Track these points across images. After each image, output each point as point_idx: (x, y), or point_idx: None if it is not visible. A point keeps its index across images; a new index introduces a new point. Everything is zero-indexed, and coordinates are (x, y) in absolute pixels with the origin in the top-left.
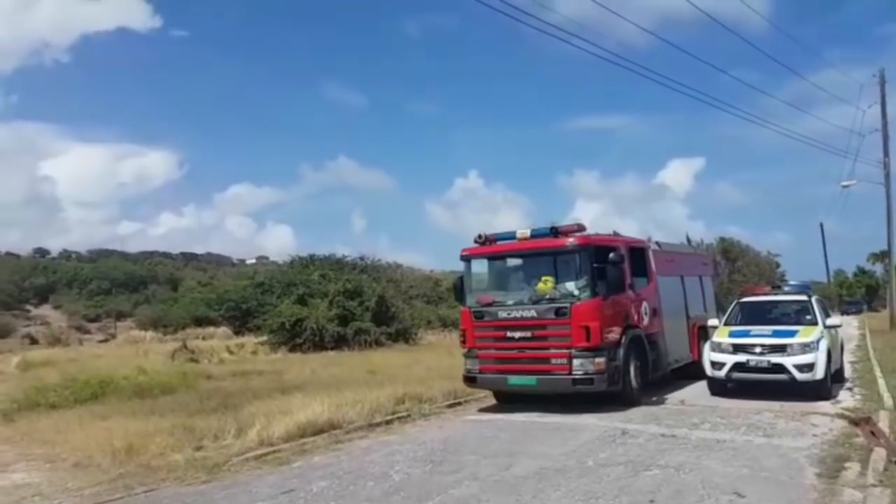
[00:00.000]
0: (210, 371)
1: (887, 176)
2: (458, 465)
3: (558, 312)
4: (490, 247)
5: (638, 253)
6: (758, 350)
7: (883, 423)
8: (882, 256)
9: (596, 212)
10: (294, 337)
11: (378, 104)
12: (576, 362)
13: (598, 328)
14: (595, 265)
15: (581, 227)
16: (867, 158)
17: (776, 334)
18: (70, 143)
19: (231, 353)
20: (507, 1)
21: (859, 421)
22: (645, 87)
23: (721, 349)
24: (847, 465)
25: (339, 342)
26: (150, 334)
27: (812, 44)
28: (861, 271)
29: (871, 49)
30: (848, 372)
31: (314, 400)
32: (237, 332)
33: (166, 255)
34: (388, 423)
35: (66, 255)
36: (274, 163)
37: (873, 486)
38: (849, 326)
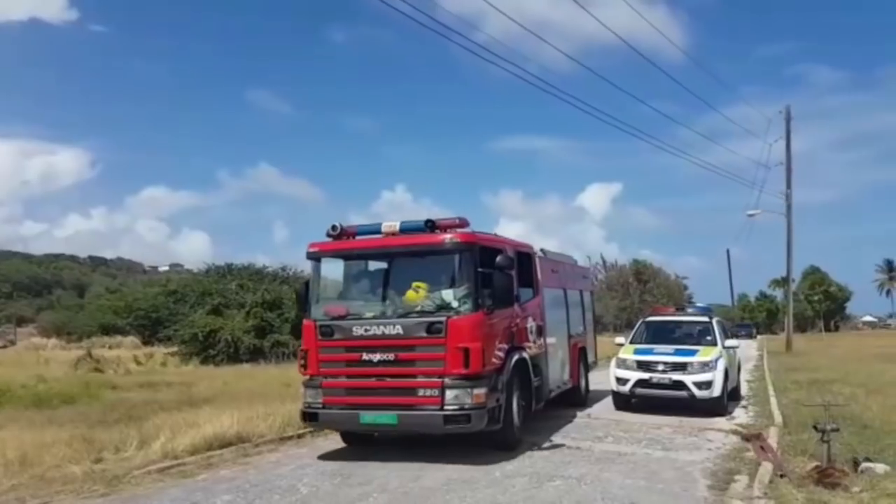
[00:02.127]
0: (115, 382)
1: (789, 207)
2: (367, 477)
3: (431, 329)
4: (346, 242)
5: (524, 259)
6: (660, 367)
7: (772, 438)
8: (782, 283)
9: (519, 230)
10: (207, 348)
11: (303, 113)
12: (449, 394)
13: (480, 350)
14: (480, 270)
15: (463, 222)
16: (772, 190)
17: (678, 353)
18: None
19: (139, 363)
20: (437, 18)
21: (750, 437)
22: (569, 112)
23: (626, 366)
24: (737, 478)
25: (256, 355)
26: (52, 341)
27: (727, 79)
28: (763, 296)
29: (781, 87)
30: (744, 390)
31: (223, 413)
32: (146, 343)
33: (73, 258)
34: (299, 436)
35: None
36: (192, 167)
37: (758, 498)
38: (749, 348)
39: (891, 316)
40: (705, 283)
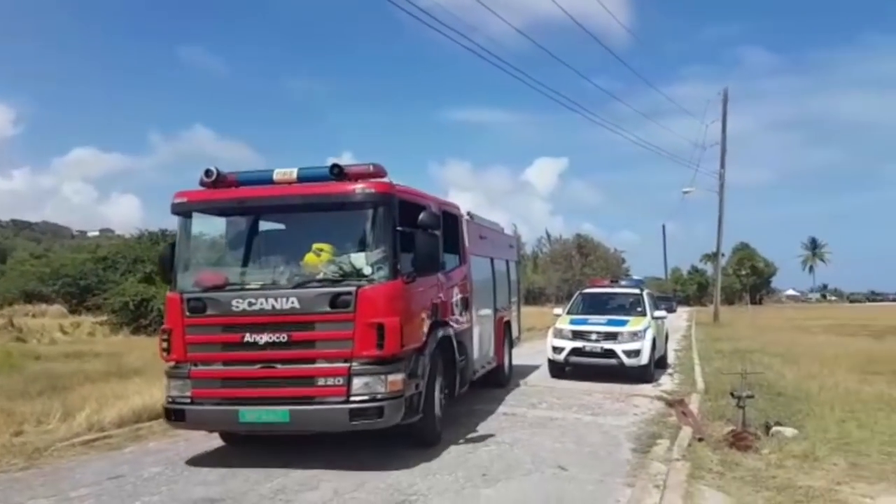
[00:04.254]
0: (39, 351)
1: (722, 186)
2: (300, 447)
3: (336, 302)
4: (226, 191)
5: (450, 221)
6: (593, 337)
7: (693, 404)
8: (712, 257)
9: (468, 202)
10: (138, 318)
11: (241, 72)
12: (358, 381)
13: (398, 326)
14: (399, 229)
15: (379, 170)
16: (707, 169)
17: (610, 323)
18: None
19: (65, 332)
20: None
21: (674, 402)
22: (517, 85)
23: (562, 335)
24: (659, 441)
25: None
26: None
27: (671, 58)
28: (694, 270)
29: (721, 68)
30: (671, 359)
31: (154, 385)
32: (73, 311)
33: None
34: None
35: None
36: (123, 127)
37: (677, 460)
38: (678, 319)
39: (811, 291)
40: (642, 257)
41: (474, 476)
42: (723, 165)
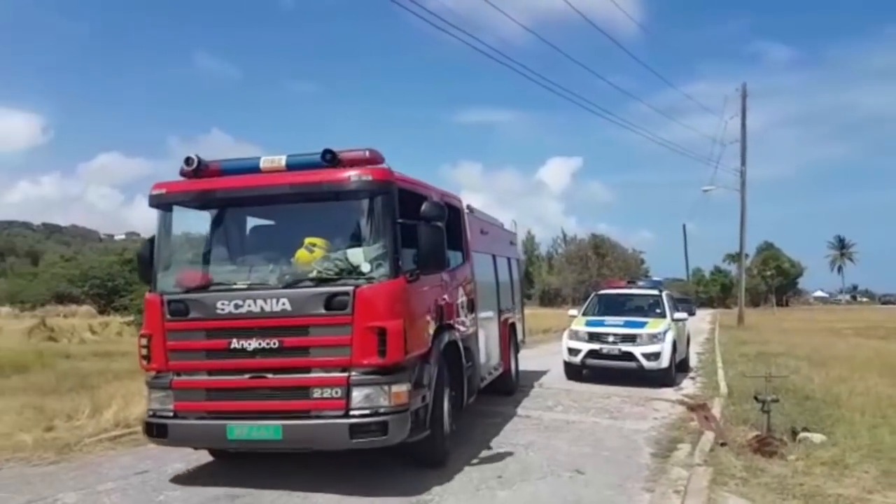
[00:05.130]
0: (69, 351)
1: (743, 184)
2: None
3: (331, 303)
4: (208, 181)
5: (452, 215)
6: (610, 339)
7: (716, 409)
8: (736, 257)
9: (479, 203)
10: None
11: (252, 77)
12: (358, 393)
13: (401, 331)
14: (399, 221)
15: (375, 156)
16: (727, 166)
17: (628, 325)
18: None
19: (94, 332)
20: None
21: (696, 407)
22: (528, 85)
23: (578, 337)
24: (679, 446)
25: None
26: (5, 310)
27: (686, 55)
28: (717, 270)
29: (738, 64)
30: (694, 362)
31: None
32: (102, 311)
33: (27, 225)
34: None
35: None
36: (146, 133)
37: (698, 465)
38: (701, 322)
39: (841, 292)
40: (662, 257)
41: (489, 478)
42: (744, 163)
